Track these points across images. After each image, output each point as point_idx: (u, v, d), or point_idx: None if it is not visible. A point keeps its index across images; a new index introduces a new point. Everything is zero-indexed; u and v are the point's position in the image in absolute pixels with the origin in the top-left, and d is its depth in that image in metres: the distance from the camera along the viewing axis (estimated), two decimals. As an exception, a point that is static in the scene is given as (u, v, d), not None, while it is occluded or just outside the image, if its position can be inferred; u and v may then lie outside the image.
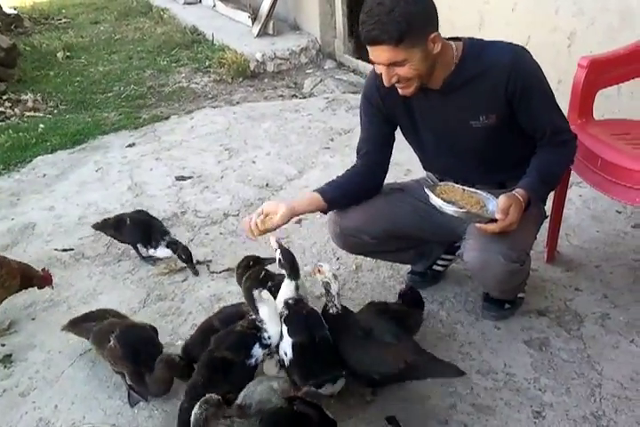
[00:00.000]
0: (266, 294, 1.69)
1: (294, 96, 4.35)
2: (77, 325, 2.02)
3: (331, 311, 1.73)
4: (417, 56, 1.60)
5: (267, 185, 3.04)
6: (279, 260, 1.77)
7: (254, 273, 1.78)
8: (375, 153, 1.95)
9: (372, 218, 1.92)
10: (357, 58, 4.82)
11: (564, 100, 2.22)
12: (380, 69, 1.65)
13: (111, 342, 1.80)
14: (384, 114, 1.88)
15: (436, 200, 1.63)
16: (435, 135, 1.84)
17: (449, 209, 1.60)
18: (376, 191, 1.98)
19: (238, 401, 1.57)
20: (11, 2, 8.31)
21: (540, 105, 1.72)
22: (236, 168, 3.24)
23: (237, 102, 4.24)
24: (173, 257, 2.43)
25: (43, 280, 2.24)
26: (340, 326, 1.73)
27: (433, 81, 1.71)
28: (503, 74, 1.67)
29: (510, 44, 1.72)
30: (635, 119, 2.32)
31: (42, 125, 3.99)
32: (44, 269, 2.26)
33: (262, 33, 5.26)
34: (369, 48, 1.61)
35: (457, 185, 1.73)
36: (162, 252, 2.42)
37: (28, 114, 4.30)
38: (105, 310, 2.07)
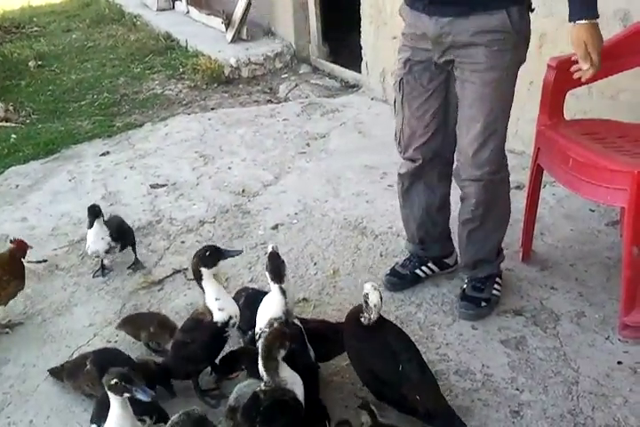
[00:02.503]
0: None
1: (269, 101, 4.34)
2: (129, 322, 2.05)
3: (363, 321, 1.66)
4: None
5: (243, 191, 3.03)
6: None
7: (201, 251, 1.78)
8: None
9: None
10: (332, 62, 4.82)
11: (535, 102, 2.25)
12: None
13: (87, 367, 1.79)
14: None
15: None
16: None
17: None
18: None
19: (230, 403, 1.57)
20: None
21: None
22: (212, 175, 3.23)
23: (212, 108, 4.22)
24: (151, 271, 2.42)
25: (19, 248, 2.24)
26: (370, 339, 1.69)
27: None
28: None
29: None
30: (604, 119, 2.35)
31: (14, 136, 3.93)
32: (12, 241, 2.26)
33: (236, 38, 5.24)
34: None
35: None
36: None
37: (-1, 124, 4.24)
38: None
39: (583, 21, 1.70)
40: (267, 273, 1.74)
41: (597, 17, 1.72)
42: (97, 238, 2.40)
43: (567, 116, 2.26)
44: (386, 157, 3.21)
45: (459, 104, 1.92)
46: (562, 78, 2.12)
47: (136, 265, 2.52)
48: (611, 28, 2.47)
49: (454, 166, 2.04)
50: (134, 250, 2.53)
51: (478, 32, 1.77)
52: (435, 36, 1.83)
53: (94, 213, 2.39)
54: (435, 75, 1.94)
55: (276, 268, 1.72)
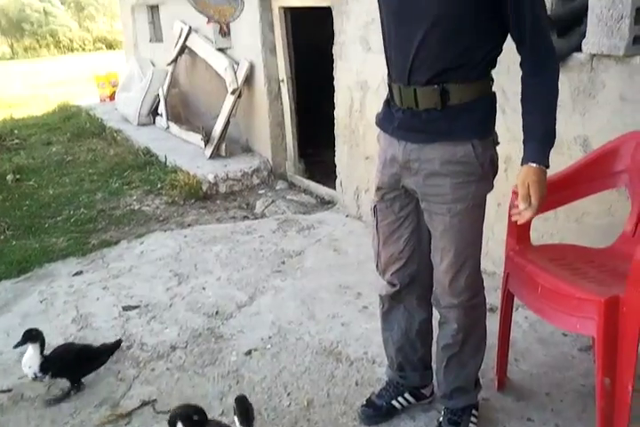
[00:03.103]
0: None
1: (246, 217, 4.40)
2: None
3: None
4: None
5: (216, 313, 2.99)
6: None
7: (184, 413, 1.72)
8: None
9: None
10: (307, 178, 4.97)
11: (504, 223, 2.31)
12: None
13: None
14: None
15: None
16: None
17: None
18: None
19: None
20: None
21: None
22: (186, 295, 3.20)
23: (189, 225, 4.26)
24: (118, 403, 2.33)
25: None
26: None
27: None
28: None
29: None
30: (570, 243, 2.41)
31: (-14, 253, 3.91)
32: None
33: (215, 155, 5.41)
34: None
35: None
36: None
37: (-28, 240, 4.22)
38: None
39: (533, 164, 1.72)
40: (235, 417, 1.69)
41: (547, 166, 1.74)
42: (25, 365, 2.38)
43: (535, 237, 2.31)
44: (360, 277, 3.23)
45: (431, 233, 1.95)
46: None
47: (62, 396, 2.44)
48: (572, 153, 2.60)
49: (433, 293, 2.04)
50: (72, 384, 2.45)
51: (444, 162, 1.81)
52: (403, 161, 1.87)
53: (28, 337, 2.38)
54: (405, 202, 1.98)
55: (245, 412, 1.67)
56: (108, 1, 22.98)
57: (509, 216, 2.22)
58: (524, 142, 1.76)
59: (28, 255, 3.81)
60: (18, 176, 5.59)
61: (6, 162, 6.07)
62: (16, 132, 7.77)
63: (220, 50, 5.58)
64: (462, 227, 1.87)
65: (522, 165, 1.74)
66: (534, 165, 1.71)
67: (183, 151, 5.71)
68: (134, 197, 4.88)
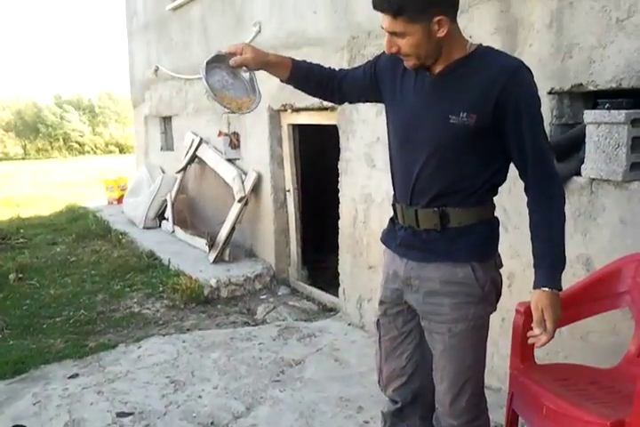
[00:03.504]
0: None
1: (246, 323, 4.38)
2: None
3: None
4: (417, 33, 1.63)
5: (212, 423, 2.91)
6: None
7: None
8: (342, 80, 2.04)
9: None
10: (310, 285, 4.99)
11: (508, 338, 2.30)
12: (385, 35, 1.70)
13: None
14: (376, 71, 1.94)
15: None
16: (410, 116, 1.82)
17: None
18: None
19: None
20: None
21: (528, 125, 1.69)
22: (181, 403, 3.12)
23: (188, 329, 4.23)
24: None
25: None
26: None
27: (436, 66, 1.74)
28: (503, 76, 1.66)
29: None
30: (575, 363, 2.39)
31: (-18, 353, 3.85)
32: None
33: (219, 259, 5.46)
34: None
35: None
36: None
37: (-31, 338, 4.17)
38: None
39: (545, 289, 1.73)
40: None
41: (560, 289, 1.75)
42: None
43: (539, 355, 2.30)
44: (361, 389, 3.17)
45: (432, 352, 1.94)
46: (530, 323, 2.20)
47: None
48: (575, 271, 2.63)
49: (435, 412, 2.00)
50: None
51: (444, 282, 1.82)
52: (405, 277, 1.90)
53: None
54: (408, 318, 1.98)
55: None
56: (122, 108, 24.06)
57: (513, 333, 2.24)
58: (534, 266, 1.79)
59: (25, 356, 3.75)
60: (20, 275, 5.61)
61: (10, 260, 6.11)
62: (22, 231, 7.90)
63: (229, 160, 5.82)
64: (462, 347, 1.85)
65: (534, 289, 1.76)
66: (546, 289, 1.73)
67: (187, 255, 5.78)
68: (135, 300, 4.87)
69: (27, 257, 6.37)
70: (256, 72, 2.02)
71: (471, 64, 1.71)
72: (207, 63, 1.96)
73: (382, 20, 1.68)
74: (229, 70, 1.99)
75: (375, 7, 1.67)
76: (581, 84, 2.55)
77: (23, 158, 22.21)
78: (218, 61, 1.97)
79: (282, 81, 2.05)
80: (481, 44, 1.78)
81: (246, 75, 2.02)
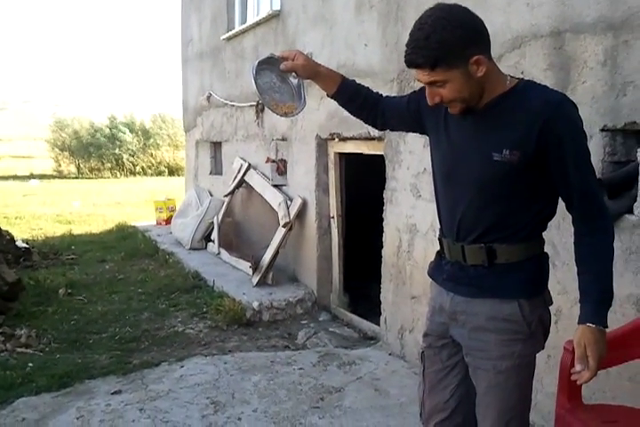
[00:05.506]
0: None
1: (287, 347, 4.40)
2: None
3: None
4: (457, 78, 1.62)
5: (251, 448, 2.93)
6: None
7: None
8: (386, 106, 2.06)
9: None
10: (351, 312, 5.00)
11: (554, 375, 2.25)
12: (426, 88, 1.71)
13: None
14: (420, 104, 1.92)
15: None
16: (452, 153, 1.82)
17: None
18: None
19: None
20: (25, 235, 8.86)
21: (572, 160, 1.66)
22: (221, 425, 3.14)
23: (230, 351, 4.27)
24: None
25: None
26: None
27: (478, 104, 1.72)
28: (546, 110, 1.63)
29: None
30: (624, 405, 2.34)
31: (30, 364, 3.96)
32: None
33: (261, 283, 5.52)
34: None
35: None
36: None
37: (19, 350, 4.28)
38: None
39: (590, 324, 1.70)
40: None
41: (606, 326, 1.71)
42: None
43: (586, 395, 2.25)
44: (401, 420, 3.15)
45: (476, 389, 1.91)
46: (578, 361, 2.17)
47: None
48: (625, 311, 2.57)
49: None
50: None
51: (490, 318, 1.80)
52: (450, 311, 1.89)
53: None
54: (454, 351, 1.96)
55: None
56: (174, 131, 24.61)
57: (560, 371, 2.20)
58: (580, 302, 1.76)
59: (70, 370, 3.84)
60: (69, 290, 5.77)
61: (60, 276, 6.29)
62: (73, 247, 8.12)
63: (276, 186, 5.92)
64: (507, 386, 1.82)
65: (578, 324, 1.73)
66: (591, 325, 1.70)
67: (231, 277, 5.86)
68: (179, 319, 4.95)
69: (76, 273, 6.55)
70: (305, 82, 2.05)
71: (513, 99, 1.69)
72: (259, 63, 1.98)
73: (416, 74, 1.67)
74: (279, 73, 2.00)
75: (410, 66, 1.66)
76: (635, 122, 2.53)
77: (76, 177, 22.85)
78: (269, 64, 1.99)
79: (328, 95, 2.07)
80: (522, 79, 1.77)
81: (295, 81, 2.04)
